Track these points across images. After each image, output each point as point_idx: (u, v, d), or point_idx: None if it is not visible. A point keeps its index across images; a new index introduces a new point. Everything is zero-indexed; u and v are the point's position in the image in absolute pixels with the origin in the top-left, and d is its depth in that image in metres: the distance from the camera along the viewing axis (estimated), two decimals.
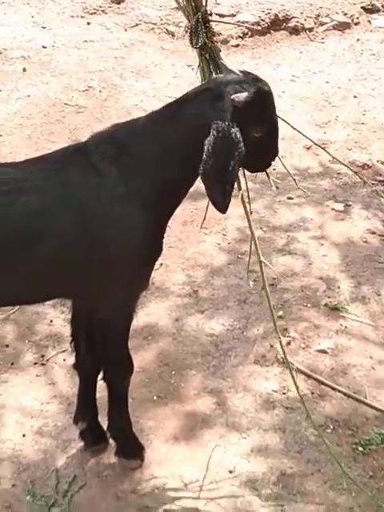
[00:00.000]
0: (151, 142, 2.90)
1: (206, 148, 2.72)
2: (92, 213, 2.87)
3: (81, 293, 3.06)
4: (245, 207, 3.15)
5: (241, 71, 2.92)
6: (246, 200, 3.17)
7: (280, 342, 3.18)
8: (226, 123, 2.72)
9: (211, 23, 3.07)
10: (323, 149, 3.86)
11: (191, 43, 3.07)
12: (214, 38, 3.08)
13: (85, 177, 2.89)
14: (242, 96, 2.74)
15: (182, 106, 2.90)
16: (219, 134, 2.71)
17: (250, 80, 2.83)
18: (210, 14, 3.06)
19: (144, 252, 2.98)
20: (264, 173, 3.15)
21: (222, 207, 2.85)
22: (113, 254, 2.91)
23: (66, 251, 2.87)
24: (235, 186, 2.98)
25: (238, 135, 2.73)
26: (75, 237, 2.86)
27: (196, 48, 3.07)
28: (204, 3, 3.03)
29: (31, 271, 2.90)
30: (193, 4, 3.00)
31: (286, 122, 3.18)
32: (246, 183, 3.24)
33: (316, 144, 3.89)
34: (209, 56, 3.06)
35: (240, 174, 3.08)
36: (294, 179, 3.59)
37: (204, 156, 2.72)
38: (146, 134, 2.92)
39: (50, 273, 2.92)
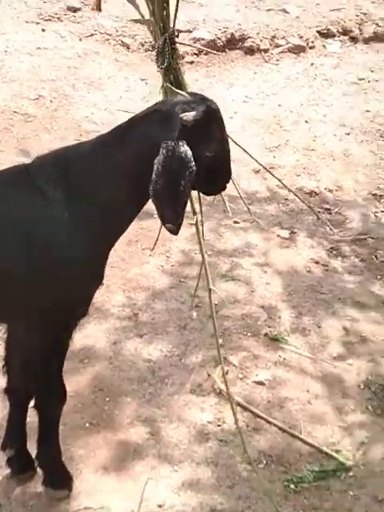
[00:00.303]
0: (99, 164, 2.83)
1: (155, 167, 2.67)
2: (33, 237, 2.79)
3: (15, 318, 2.98)
4: (198, 232, 3.13)
5: (188, 93, 2.90)
6: (200, 225, 3.14)
7: (224, 376, 3.15)
8: (176, 142, 2.67)
9: (177, 45, 3.04)
10: (273, 175, 3.84)
11: (157, 63, 3.04)
12: (179, 61, 3.05)
13: (29, 199, 2.82)
14: (191, 115, 2.70)
15: (130, 128, 2.83)
16: (168, 153, 2.67)
17: (198, 100, 2.80)
18: (177, 36, 3.02)
19: (85, 280, 2.91)
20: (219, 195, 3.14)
21: (174, 229, 2.79)
22: (52, 280, 2.83)
23: (3, 274, 2.79)
24: (190, 209, 2.95)
25: (189, 154, 2.68)
26: (14, 260, 2.78)
27: (161, 69, 3.03)
28: (172, 25, 3.00)
29: None
30: (161, 24, 2.97)
31: (236, 143, 3.17)
32: (201, 207, 3.20)
33: (267, 170, 3.87)
34: (173, 77, 3.02)
35: (194, 197, 3.05)
36: (248, 207, 3.56)
37: (153, 175, 2.67)
38: (93, 157, 2.86)
39: None
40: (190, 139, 2.70)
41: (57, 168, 2.84)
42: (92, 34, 7.70)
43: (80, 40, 7.59)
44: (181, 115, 2.70)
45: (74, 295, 2.91)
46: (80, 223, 2.82)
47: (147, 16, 3.05)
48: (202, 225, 3.20)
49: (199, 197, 3.15)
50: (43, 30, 7.64)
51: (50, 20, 7.80)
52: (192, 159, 2.69)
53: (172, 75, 3.01)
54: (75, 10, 7.91)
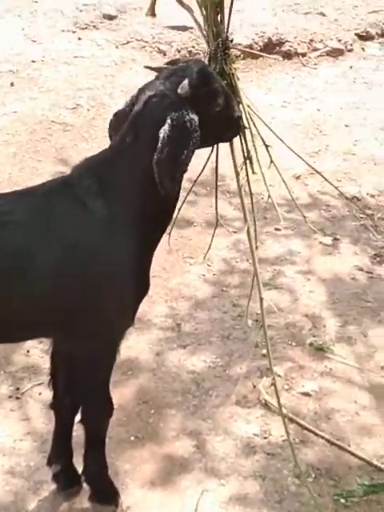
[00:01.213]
0: (125, 168, 2.79)
1: (161, 136, 2.63)
2: (79, 249, 2.76)
3: (63, 332, 2.94)
4: (250, 242, 3.12)
5: (166, 64, 2.88)
6: (253, 234, 3.14)
7: (275, 388, 3.10)
8: (181, 112, 2.65)
9: (231, 50, 3.00)
10: (320, 174, 3.72)
11: None
12: (233, 65, 3.01)
13: (72, 212, 2.79)
14: (186, 84, 2.67)
15: (137, 120, 2.77)
16: (174, 123, 2.64)
17: (183, 67, 2.78)
18: (231, 41, 2.98)
19: (134, 288, 2.89)
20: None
21: (171, 194, 2.76)
22: (100, 292, 2.80)
23: (50, 289, 2.76)
24: (246, 220, 3.02)
25: (194, 123, 2.66)
26: (60, 274, 2.75)
27: None
28: (226, 30, 2.96)
29: (11, 309, 2.78)
30: (214, 29, 2.94)
31: (284, 143, 3.22)
32: (254, 218, 3.19)
33: (317, 171, 3.75)
34: (226, 82, 2.98)
35: (248, 208, 3.08)
36: (279, 211, 3.50)
37: (159, 145, 2.63)
38: (118, 163, 2.81)
39: (30, 312, 2.80)
40: (195, 105, 2.68)
41: (92, 179, 2.81)
42: (128, 42, 7.68)
43: (116, 48, 7.58)
44: (178, 91, 2.66)
45: (123, 306, 2.89)
46: (124, 232, 2.80)
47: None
48: (256, 235, 3.16)
49: (253, 207, 3.17)
50: (79, 39, 7.64)
51: (86, 28, 7.80)
52: (197, 128, 2.67)
53: (225, 81, 2.95)
54: (111, 17, 7.91)
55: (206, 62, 3.01)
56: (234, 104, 2.94)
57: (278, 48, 7.75)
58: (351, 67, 7.69)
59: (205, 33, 2.99)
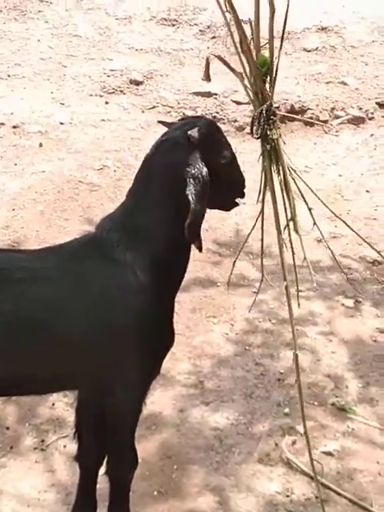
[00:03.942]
0: (145, 215, 2.88)
1: (190, 198, 2.74)
2: (109, 303, 2.84)
3: (90, 384, 3.00)
4: (288, 299, 3.19)
5: (179, 120, 3.07)
6: (290, 293, 3.21)
7: (308, 449, 3.09)
8: (195, 166, 2.77)
9: (277, 117, 3.08)
10: (347, 225, 3.71)
11: (251, 133, 3.07)
12: (277, 131, 3.08)
13: (100, 267, 2.88)
14: (195, 130, 2.83)
15: (149, 166, 2.91)
16: (196, 181, 2.76)
17: (191, 120, 2.99)
18: (278, 108, 3.06)
19: (164, 338, 2.97)
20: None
21: (195, 241, 2.88)
22: (130, 343, 2.87)
23: (79, 342, 2.82)
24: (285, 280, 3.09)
25: (205, 172, 2.79)
26: (89, 327, 2.82)
27: (255, 138, 3.08)
28: (271, 96, 3.04)
29: (41, 362, 2.86)
30: (260, 96, 3.01)
31: (325, 205, 3.31)
32: (285, 277, 3.21)
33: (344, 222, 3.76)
34: (270, 147, 3.05)
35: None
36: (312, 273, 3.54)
37: (192, 206, 2.74)
38: (138, 212, 2.90)
39: (60, 364, 2.87)
40: (202, 152, 2.82)
41: (119, 232, 2.90)
42: (154, 107, 7.86)
43: (142, 112, 7.75)
44: (188, 133, 2.82)
45: (151, 357, 2.96)
46: (151, 283, 2.87)
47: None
48: (298, 292, 3.22)
49: (283, 266, 3.19)
50: (107, 103, 7.82)
51: (113, 93, 8.00)
52: (208, 175, 2.79)
53: (269, 145, 3.02)
54: (138, 83, 8.10)
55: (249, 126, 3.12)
56: (239, 168, 3.09)
57: (300, 115, 7.89)
58: (372, 135, 7.78)
59: (252, 98, 3.06)
